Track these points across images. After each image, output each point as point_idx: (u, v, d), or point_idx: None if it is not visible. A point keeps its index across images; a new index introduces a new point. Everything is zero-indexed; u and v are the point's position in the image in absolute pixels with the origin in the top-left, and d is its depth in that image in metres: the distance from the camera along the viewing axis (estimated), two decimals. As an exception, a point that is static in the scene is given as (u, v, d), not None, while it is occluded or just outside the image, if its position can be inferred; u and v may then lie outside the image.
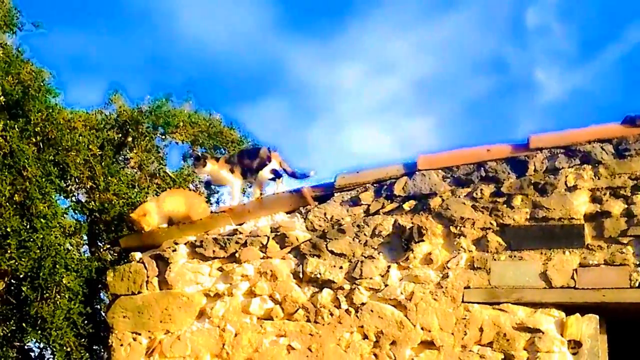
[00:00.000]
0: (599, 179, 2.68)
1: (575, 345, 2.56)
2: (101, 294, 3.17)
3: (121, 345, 2.68)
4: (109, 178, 3.12)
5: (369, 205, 2.79)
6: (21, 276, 2.67)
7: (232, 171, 2.85)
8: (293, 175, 2.88)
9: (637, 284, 2.53)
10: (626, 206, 2.62)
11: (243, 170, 2.85)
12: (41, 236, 2.65)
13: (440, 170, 2.78)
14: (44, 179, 2.71)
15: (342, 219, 2.78)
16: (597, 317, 2.61)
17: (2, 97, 2.79)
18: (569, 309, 2.59)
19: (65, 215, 3.02)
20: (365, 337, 2.62)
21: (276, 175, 2.78)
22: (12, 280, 2.75)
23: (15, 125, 2.73)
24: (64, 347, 2.63)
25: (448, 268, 2.68)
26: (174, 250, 2.84)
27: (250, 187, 2.94)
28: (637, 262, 2.55)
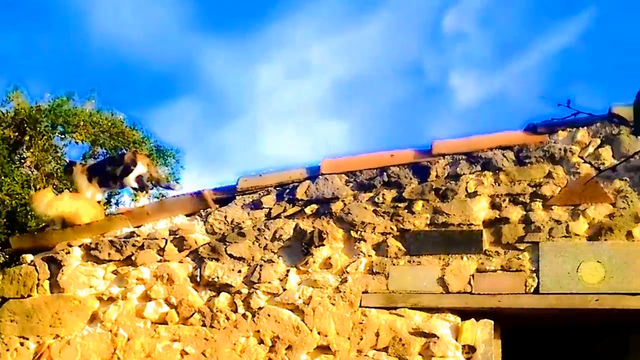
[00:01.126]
0: (499, 185, 3.70)
1: (470, 350, 3.57)
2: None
3: (7, 350, 3.56)
4: (2, 178, 3.97)
5: (270, 209, 3.76)
6: None
7: (90, 179, 3.71)
8: (158, 183, 3.81)
9: (532, 290, 3.56)
10: (524, 213, 3.65)
11: (104, 178, 3.71)
12: None
13: (343, 175, 3.77)
14: None
15: (243, 222, 3.75)
16: (492, 322, 3.62)
17: None
18: (465, 314, 3.60)
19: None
20: (261, 341, 3.58)
21: (140, 185, 3.68)
22: None
23: None
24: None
25: (347, 272, 3.67)
26: (68, 253, 3.75)
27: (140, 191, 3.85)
28: (533, 268, 3.58)
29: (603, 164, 3.60)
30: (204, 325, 3.56)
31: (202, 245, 3.69)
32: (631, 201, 3.55)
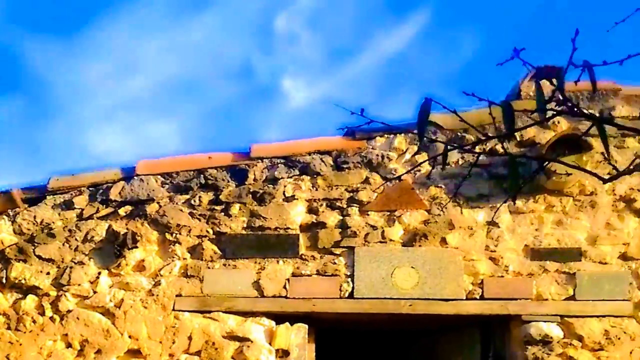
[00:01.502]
0: (316, 190, 4.09)
1: (283, 354, 4.04)
2: None
3: None
4: None
5: (82, 210, 4.06)
6: None
7: None
8: None
9: (347, 295, 4.02)
10: (341, 217, 4.07)
11: None
12: None
13: (159, 176, 4.08)
14: None
15: (53, 222, 4.05)
16: (306, 326, 4.08)
17: None
18: (280, 318, 4.03)
19: None
20: (70, 345, 3.95)
21: None
22: None
23: None
24: None
25: (161, 275, 4.04)
26: None
27: None
28: (348, 273, 4.03)
29: (419, 170, 4.02)
30: (8, 328, 3.88)
31: (9, 246, 3.97)
32: (445, 208, 3.99)
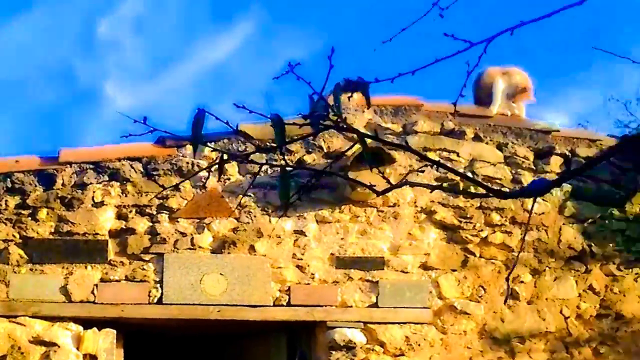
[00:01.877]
0: (126, 196, 5.35)
1: (91, 359, 5.32)
2: None
3: None
4: None
5: None
6: None
7: None
8: None
9: (155, 300, 5.30)
10: (151, 224, 5.35)
11: None
12: None
13: (-37, 178, 5.25)
14: None
15: None
16: (115, 331, 5.33)
17: None
18: (88, 323, 5.27)
19: None
20: None
21: None
22: None
23: None
24: None
25: (-37, 280, 5.22)
26: None
27: None
28: (157, 279, 5.30)
29: (229, 179, 5.34)
30: None
31: None
32: (254, 216, 5.33)
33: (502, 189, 5.33)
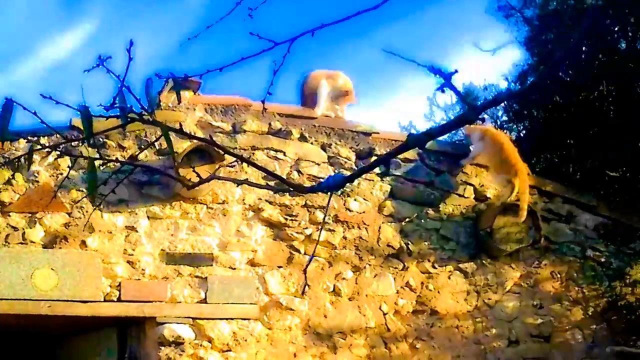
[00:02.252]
0: (-47, 189, 6.89)
1: None
2: None
3: None
4: None
5: None
6: None
7: None
8: None
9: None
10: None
11: None
12: None
13: None
14: None
15: None
16: (-64, 327, 6.81)
17: None
18: None
19: None
20: None
21: None
22: None
23: None
24: None
25: None
26: None
27: None
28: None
29: (62, 174, 6.98)
30: None
31: None
32: (87, 211, 6.99)
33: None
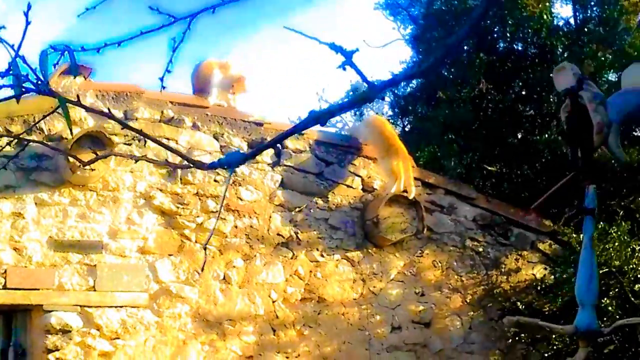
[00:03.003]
0: None
1: None
2: None
3: None
4: None
5: None
6: None
7: None
8: None
9: None
10: None
11: None
12: None
13: None
14: None
15: None
16: None
17: None
18: None
19: None
20: None
21: None
22: None
23: None
24: None
25: None
26: None
27: None
28: None
29: (-55, 158, 6.55)
30: None
31: None
32: (-29, 198, 6.60)
33: (218, 177, 7.17)
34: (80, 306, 6.81)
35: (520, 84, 9.62)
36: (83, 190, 6.93)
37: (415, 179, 8.14)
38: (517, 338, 7.84)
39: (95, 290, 6.87)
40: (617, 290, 7.54)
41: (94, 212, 6.96)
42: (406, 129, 10.19)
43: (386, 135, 7.91)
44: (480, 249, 8.29)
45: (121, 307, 6.95)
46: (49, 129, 6.89)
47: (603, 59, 9.20)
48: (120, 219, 7.03)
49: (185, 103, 7.42)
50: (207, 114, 7.52)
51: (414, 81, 10.04)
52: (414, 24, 10.45)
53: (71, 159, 6.65)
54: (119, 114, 7.16)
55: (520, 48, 9.86)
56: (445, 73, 9.61)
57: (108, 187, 7.02)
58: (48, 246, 6.78)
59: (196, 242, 7.25)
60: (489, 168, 9.02)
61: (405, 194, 7.80)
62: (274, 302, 7.48)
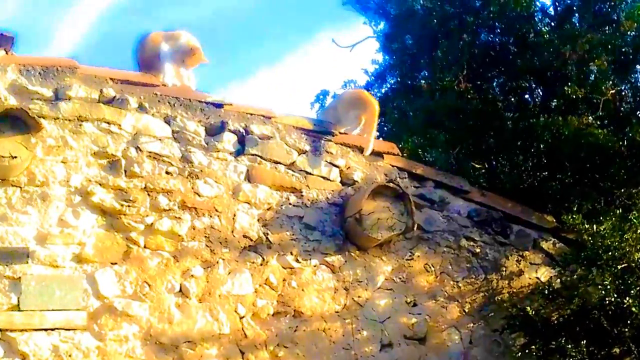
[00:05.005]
0: None
1: None
2: None
3: None
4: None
5: None
6: None
7: None
8: None
9: None
10: None
11: None
12: None
13: None
14: None
15: None
16: None
17: None
18: None
19: None
20: None
21: None
22: None
23: None
24: None
25: None
26: None
27: None
28: None
29: None
30: None
31: None
32: None
33: (171, 168, 5.57)
34: (1, 330, 5.16)
35: (503, 69, 8.24)
36: (3, 185, 5.35)
37: (401, 169, 6.65)
38: (526, 352, 6.25)
39: (19, 310, 5.24)
40: (639, 289, 6.05)
41: (17, 212, 5.37)
42: (385, 122, 8.70)
43: (358, 93, 7.04)
44: (478, 250, 6.75)
45: (53, 329, 5.30)
46: (-41, 112, 5.25)
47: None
48: (51, 220, 5.43)
49: (129, 80, 5.85)
50: (156, 94, 5.94)
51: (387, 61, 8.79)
52: (386, 21, 9.06)
53: (-16, 145, 5.02)
54: (48, 92, 5.56)
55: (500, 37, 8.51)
56: (423, 61, 8.23)
57: (35, 182, 5.42)
58: (-42, 256, 5.11)
59: (145, 247, 5.61)
60: (476, 165, 7.50)
61: (391, 184, 6.25)
62: (241, 318, 5.87)
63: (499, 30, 8.22)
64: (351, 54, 10.45)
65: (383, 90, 9.25)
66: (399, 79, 9.05)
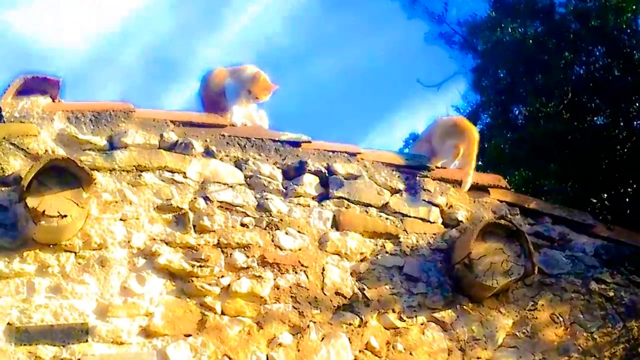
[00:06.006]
0: None
1: None
2: None
3: None
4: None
5: None
6: None
7: None
8: None
9: None
10: None
11: None
12: None
13: None
14: None
15: None
16: None
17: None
18: None
19: None
20: None
21: None
22: None
23: None
24: None
25: None
26: None
27: None
28: None
29: None
30: None
31: None
32: None
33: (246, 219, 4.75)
34: None
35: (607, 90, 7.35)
36: (55, 251, 4.56)
37: (511, 204, 5.70)
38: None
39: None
40: None
41: (73, 281, 4.56)
42: (483, 161, 7.81)
43: (456, 122, 6.10)
44: (611, 294, 5.68)
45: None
46: (2, 169, 4.54)
47: None
48: (112, 290, 4.62)
49: (193, 122, 5.09)
50: (223, 135, 5.15)
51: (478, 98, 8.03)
52: (473, 54, 8.31)
53: (31, 204, 4.27)
54: (101, 141, 4.82)
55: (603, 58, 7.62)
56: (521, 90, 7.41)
57: (91, 244, 4.62)
58: (7, 338, 4.31)
59: (223, 313, 4.74)
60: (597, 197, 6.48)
61: (502, 221, 5.28)
62: (342, 390, 4.87)
63: (600, 47, 7.31)
64: (438, 92, 9.81)
65: (478, 128, 8.51)
66: (492, 114, 8.23)
